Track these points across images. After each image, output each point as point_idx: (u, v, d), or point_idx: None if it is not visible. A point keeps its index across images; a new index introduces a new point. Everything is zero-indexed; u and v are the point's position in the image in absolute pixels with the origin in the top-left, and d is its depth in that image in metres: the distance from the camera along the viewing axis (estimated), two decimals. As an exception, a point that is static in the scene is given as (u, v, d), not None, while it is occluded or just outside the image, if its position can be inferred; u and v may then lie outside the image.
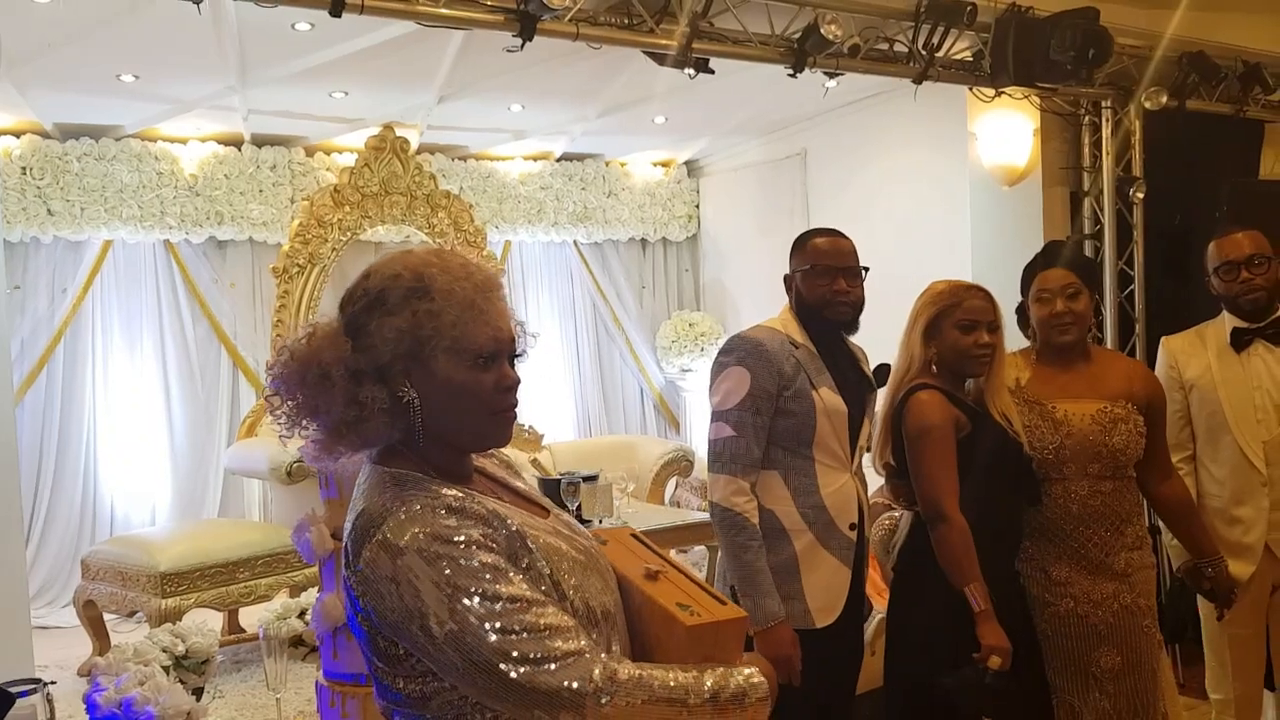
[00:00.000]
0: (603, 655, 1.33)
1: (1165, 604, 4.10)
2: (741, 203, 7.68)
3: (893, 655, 2.65)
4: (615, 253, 7.83)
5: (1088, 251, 5.24)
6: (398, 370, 1.37)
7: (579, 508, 4.23)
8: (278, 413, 1.40)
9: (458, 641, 1.28)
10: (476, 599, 1.28)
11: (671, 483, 6.53)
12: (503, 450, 1.63)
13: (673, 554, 5.62)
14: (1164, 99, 4.90)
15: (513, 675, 1.27)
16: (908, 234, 5.98)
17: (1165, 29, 4.75)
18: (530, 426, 6.36)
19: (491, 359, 1.40)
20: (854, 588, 2.59)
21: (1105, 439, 2.64)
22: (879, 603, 3.18)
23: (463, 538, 1.31)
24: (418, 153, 6.31)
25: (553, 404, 7.50)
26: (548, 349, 7.56)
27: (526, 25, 3.29)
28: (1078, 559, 2.64)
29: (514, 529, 1.37)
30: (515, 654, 1.27)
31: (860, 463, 2.68)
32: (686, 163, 7.92)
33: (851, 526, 2.59)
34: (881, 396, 2.69)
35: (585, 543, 1.50)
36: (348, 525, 1.41)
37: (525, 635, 1.28)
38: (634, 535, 1.67)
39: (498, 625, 1.27)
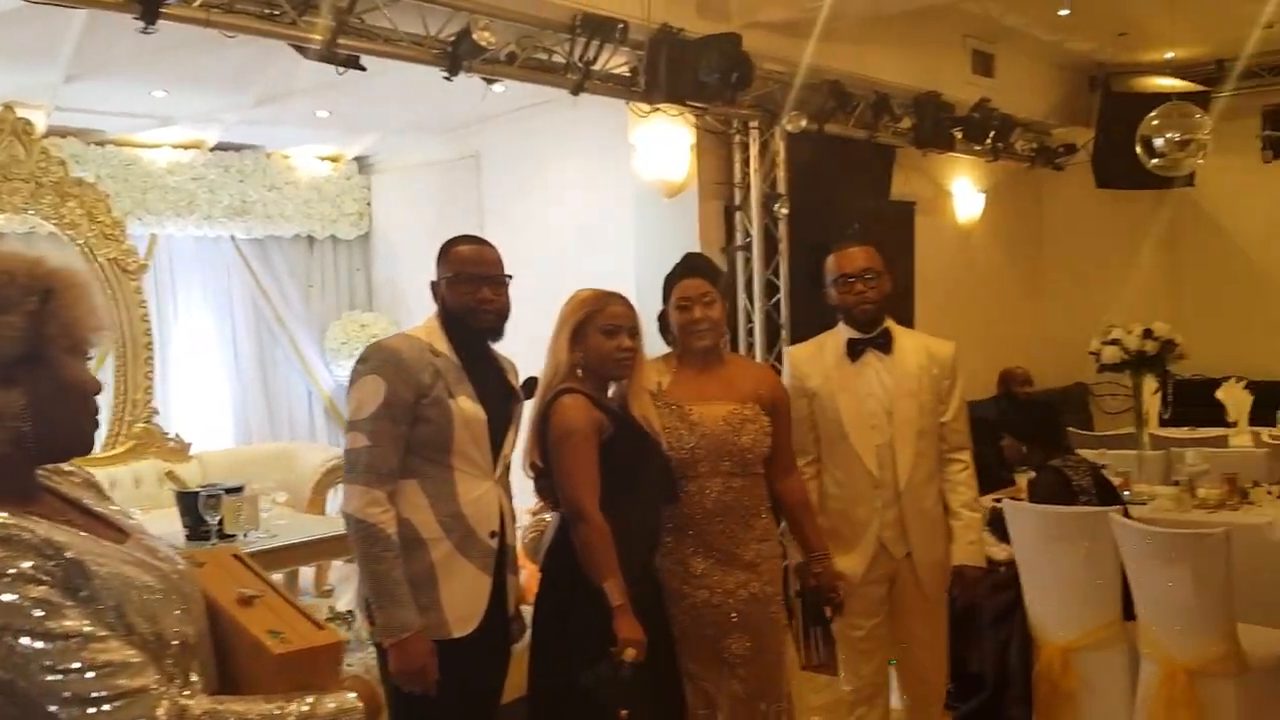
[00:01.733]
0: (173, 690, 1.25)
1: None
2: (417, 203, 7.54)
3: (537, 656, 2.67)
4: (279, 249, 7.46)
5: (739, 262, 5.58)
6: (6, 374, 1.27)
7: (220, 522, 3.95)
8: None
9: (1, 684, 1.17)
10: (25, 637, 1.17)
11: (337, 490, 6.28)
12: (88, 468, 1.51)
13: (336, 564, 5.38)
14: (803, 122, 5.30)
15: (63, 717, 1.17)
16: (579, 241, 6.09)
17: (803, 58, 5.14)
18: (176, 434, 5.90)
19: (88, 359, 1.36)
20: (495, 596, 2.58)
21: (734, 438, 2.80)
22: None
23: (13, 570, 1.20)
24: (45, 136, 5.70)
25: (207, 409, 7.03)
26: (202, 350, 7.08)
27: (149, 8, 3.03)
28: (711, 551, 2.78)
29: (70, 557, 1.26)
30: (67, 694, 1.17)
31: (504, 471, 2.68)
32: (357, 159, 7.68)
33: (492, 534, 2.58)
34: (531, 406, 2.72)
35: (168, 568, 1.40)
36: None
37: (79, 674, 1.18)
38: (236, 556, 1.58)
39: (47, 664, 1.18)
